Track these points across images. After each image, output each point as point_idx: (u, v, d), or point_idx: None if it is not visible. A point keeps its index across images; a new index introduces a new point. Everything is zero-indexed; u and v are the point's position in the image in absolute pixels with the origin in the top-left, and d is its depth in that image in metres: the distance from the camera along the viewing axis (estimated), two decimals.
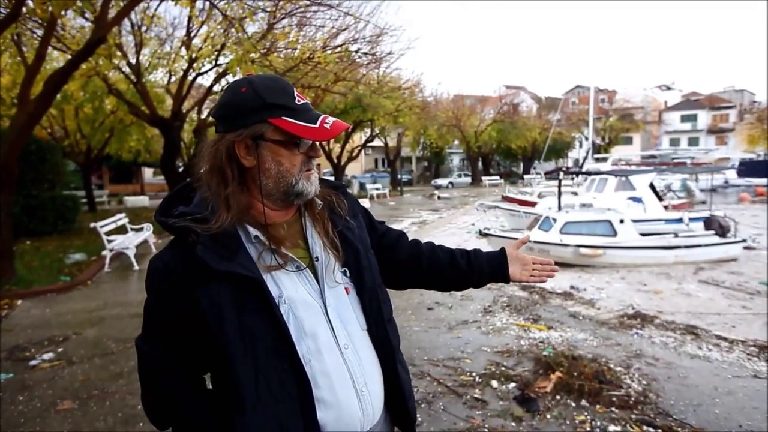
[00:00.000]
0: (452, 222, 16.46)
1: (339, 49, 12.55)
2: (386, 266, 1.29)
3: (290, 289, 1.03)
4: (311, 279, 1.07)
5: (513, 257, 1.38)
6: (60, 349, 4.69)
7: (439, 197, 25.80)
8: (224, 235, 0.99)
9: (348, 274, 1.12)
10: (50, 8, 5.91)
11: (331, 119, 1.05)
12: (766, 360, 4.42)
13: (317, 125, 1.02)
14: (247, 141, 1.02)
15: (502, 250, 1.40)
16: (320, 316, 1.05)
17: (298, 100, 1.04)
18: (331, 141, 25.86)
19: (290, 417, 0.98)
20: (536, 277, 1.38)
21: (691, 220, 10.54)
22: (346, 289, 1.11)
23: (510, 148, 41.40)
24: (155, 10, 11.87)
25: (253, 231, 1.03)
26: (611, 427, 3.10)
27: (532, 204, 15.60)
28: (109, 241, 8.78)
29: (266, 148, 1.02)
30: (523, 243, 1.44)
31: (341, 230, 1.14)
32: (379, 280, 1.20)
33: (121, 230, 10.06)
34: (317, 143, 1.08)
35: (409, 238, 1.44)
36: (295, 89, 1.07)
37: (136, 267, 8.58)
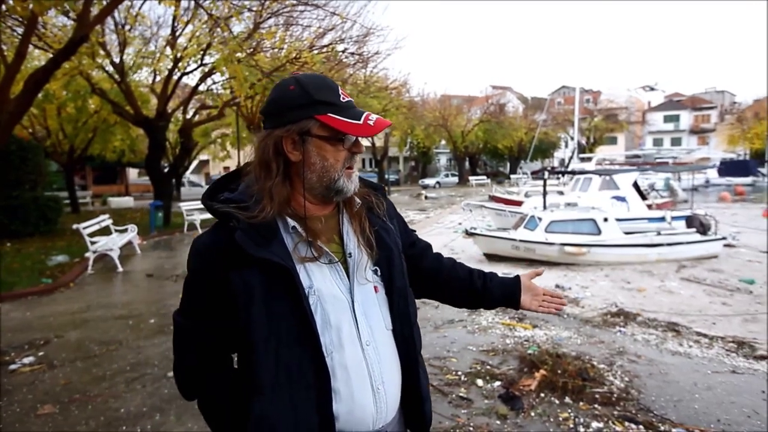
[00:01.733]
0: (439, 221, 16.52)
1: (326, 48, 12.54)
2: (413, 274, 1.33)
3: (320, 281, 1.07)
4: (342, 274, 1.10)
5: (526, 286, 1.41)
6: (41, 353, 4.62)
7: (426, 197, 25.87)
8: (263, 223, 1.04)
9: (379, 273, 1.15)
10: (31, 6, 5.82)
11: (374, 116, 1.09)
12: (747, 356, 4.52)
13: (361, 122, 1.06)
14: (294, 136, 1.06)
15: (517, 278, 1.43)
16: (346, 310, 1.08)
17: (343, 98, 1.08)
18: None
19: (306, 404, 1.02)
20: (545, 308, 1.42)
21: (674, 218, 10.72)
22: (375, 287, 1.14)
23: (496, 148, 41.67)
24: (139, 8, 11.73)
25: (291, 222, 1.07)
26: (594, 424, 3.15)
27: (519, 203, 15.73)
28: (93, 243, 8.66)
29: (312, 143, 1.06)
30: (537, 275, 1.48)
31: (377, 230, 1.16)
32: (408, 282, 1.23)
33: (105, 231, 9.92)
34: (360, 139, 1.11)
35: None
36: (340, 87, 1.10)
37: (120, 269, 8.48)
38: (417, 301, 1.33)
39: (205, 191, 1.15)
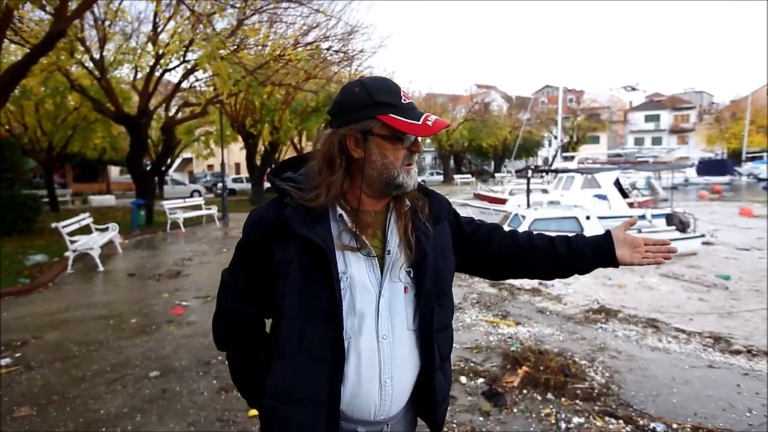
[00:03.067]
0: None
1: (310, 46, 12.48)
2: (482, 260, 1.38)
3: (355, 270, 1.14)
4: (376, 268, 1.16)
5: (620, 240, 1.31)
6: (18, 354, 4.52)
7: None
8: (315, 206, 1.12)
9: (411, 275, 1.19)
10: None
11: (432, 117, 1.14)
12: (723, 351, 4.62)
13: (420, 122, 1.12)
14: (357, 135, 1.13)
15: (608, 233, 1.33)
16: (372, 302, 1.14)
17: (404, 100, 1.15)
18: (304, 140, 25.66)
19: (320, 377, 1.12)
20: (650, 259, 1.31)
21: (654, 216, 10.91)
22: (405, 287, 1.18)
23: (481, 147, 41.94)
24: (119, 3, 11.53)
25: (339, 210, 1.15)
26: (575, 419, 3.19)
27: (503, 201, 15.86)
28: (72, 242, 8.49)
29: (373, 141, 1.13)
30: (631, 224, 1.36)
31: (418, 234, 1.20)
32: (446, 288, 1.27)
33: (86, 230, 9.74)
34: (419, 139, 1.18)
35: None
36: (401, 90, 1.17)
37: (101, 268, 8.34)
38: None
39: (274, 168, 1.28)
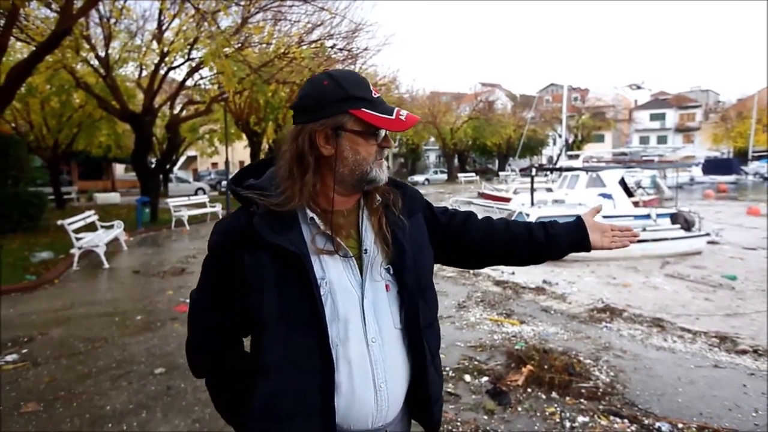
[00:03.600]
0: None
1: (314, 44, 12.47)
2: (459, 250, 1.34)
3: (333, 274, 1.08)
4: (355, 269, 1.11)
5: (591, 225, 1.35)
6: (24, 350, 4.55)
7: None
8: (283, 211, 1.06)
9: (391, 272, 1.14)
10: None
11: (404, 111, 1.10)
12: (729, 351, 4.60)
13: (393, 117, 1.08)
14: (328, 131, 1.07)
15: (579, 219, 1.37)
16: (356, 305, 1.09)
17: (375, 93, 1.09)
18: None
19: (311, 389, 1.05)
20: (617, 243, 1.35)
21: (659, 215, 10.85)
22: (387, 285, 1.14)
23: (485, 145, 41.82)
24: (124, 1, 11.57)
25: (310, 213, 1.09)
26: (580, 418, 3.19)
27: (507, 200, 15.82)
28: (78, 239, 8.53)
29: (345, 137, 1.07)
30: (597, 211, 1.41)
31: (393, 229, 1.16)
32: (427, 281, 1.22)
33: (91, 228, 9.79)
34: (389, 135, 1.13)
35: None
36: (370, 83, 1.12)
37: (106, 265, 8.38)
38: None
39: (233, 176, 1.19)
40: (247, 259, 1.05)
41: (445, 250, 1.31)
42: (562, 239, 1.34)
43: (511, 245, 1.35)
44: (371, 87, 1.10)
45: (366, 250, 1.12)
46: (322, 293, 1.05)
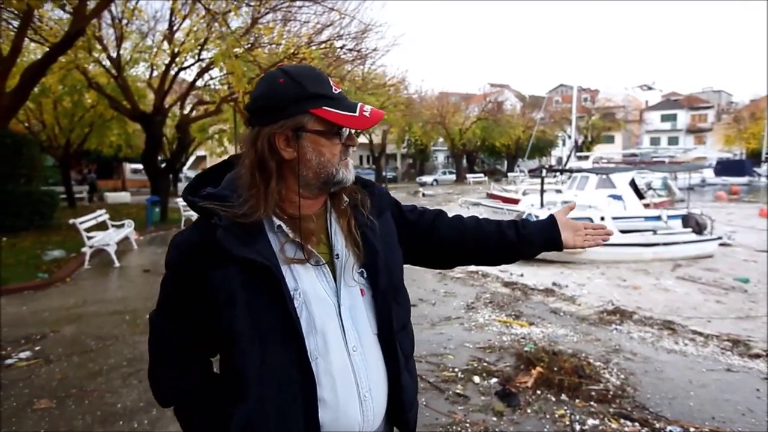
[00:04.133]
0: None
1: (324, 45, 12.50)
2: (428, 249, 1.30)
3: (306, 283, 1.02)
4: (329, 276, 1.05)
5: (564, 224, 1.33)
6: (37, 348, 4.60)
7: (423, 194, 25.88)
8: (248, 221, 0.99)
9: (365, 276, 1.09)
10: None
11: (368, 107, 1.04)
12: (742, 354, 4.54)
13: (357, 114, 1.01)
14: (288, 132, 1.00)
15: (552, 218, 1.35)
16: (333, 314, 1.03)
17: (335, 89, 1.03)
18: None
19: (292, 411, 0.98)
20: (590, 242, 1.34)
21: (669, 217, 10.75)
22: (361, 290, 1.09)
23: (494, 146, 41.68)
24: (136, 2, 11.66)
25: (277, 221, 1.02)
26: (590, 421, 3.16)
27: (516, 201, 15.75)
28: (89, 238, 8.63)
29: (307, 138, 1.00)
30: (570, 209, 1.39)
31: (363, 229, 1.11)
32: (399, 282, 1.18)
33: (102, 227, 9.88)
34: (353, 132, 1.06)
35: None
36: (329, 79, 1.05)
37: (117, 264, 8.46)
38: (444, 270, 1.27)
39: (187, 186, 1.10)
40: (213, 276, 0.98)
41: (414, 249, 1.27)
42: (534, 238, 1.32)
43: (482, 243, 1.32)
44: (331, 82, 1.03)
45: (338, 255, 1.07)
46: (296, 305, 0.99)
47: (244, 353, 0.98)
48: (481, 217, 1.41)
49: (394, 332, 1.12)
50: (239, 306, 0.97)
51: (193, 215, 1.10)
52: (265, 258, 0.97)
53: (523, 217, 10.13)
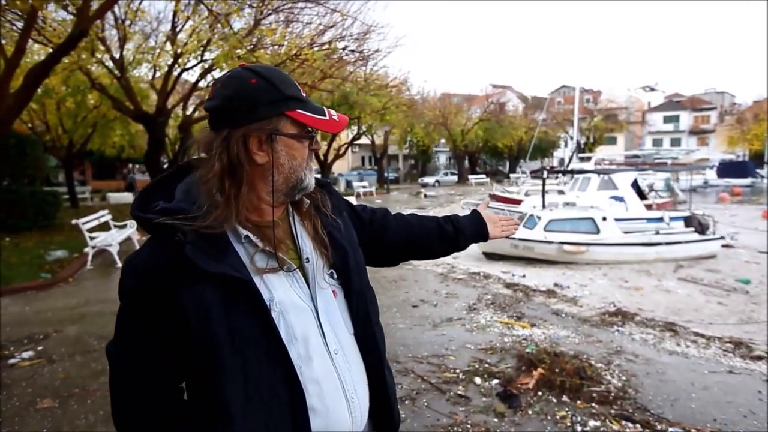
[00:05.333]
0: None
1: (326, 46, 12.51)
2: (382, 247, 1.33)
3: (281, 292, 0.98)
4: (301, 281, 1.03)
5: (487, 217, 1.50)
6: (40, 347, 4.62)
7: (425, 195, 25.88)
8: (211, 234, 0.93)
9: (335, 276, 1.08)
10: (30, 0, 5.80)
11: (333, 111, 1.04)
12: (744, 357, 4.54)
13: (327, 117, 1.00)
14: (262, 136, 0.96)
15: (477, 213, 1.51)
16: (311, 320, 1.01)
17: (303, 92, 1.02)
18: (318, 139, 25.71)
19: (282, 425, 0.95)
20: (507, 231, 1.53)
21: (672, 218, 10.74)
22: (333, 291, 1.07)
23: (496, 147, 41.67)
24: (139, 3, 11.70)
25: (243, 231, 0.97)
26: (591, 422, 3.16)
27: (518, 202, 15.75)
28: (92, 238, 8.66)
29: (281, 142, 0.97)
30: (486, 205, 1.59)
31: (329, 230, 1.09)
32: (366, 281, 1.17)
33: (104, 227, 9.92)
34: (318, 137, 1.05)
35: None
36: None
37: (119, 264, 8.47)
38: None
39: (135, 200, 1.02)
40: (183, 296, 0.91)
41: (369, 249, 1.27)
42: (467, 231, 1.45)
43: (427, 238, 1.41)
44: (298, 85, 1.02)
45: (307, 258, 1.05)
46: (273, 316, 0.95)
47: (226, 372, 0.92)
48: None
49: (373, 329, 1.13)
50: (216, 324, 0.91)
51: None
52: (238, 271, 0.93)
53: (525, 218, 10.13)
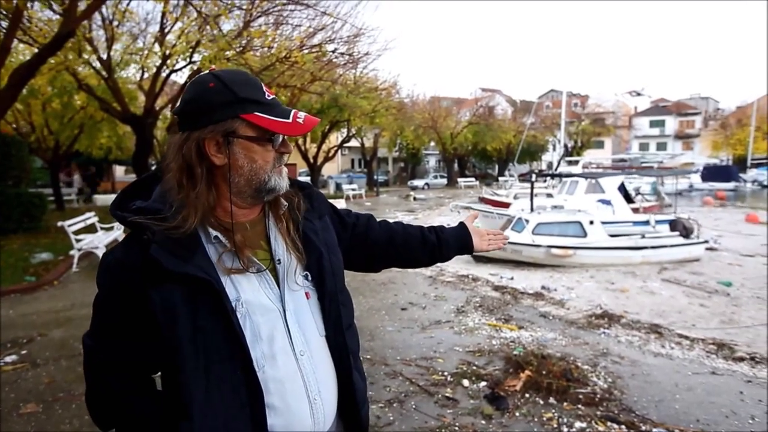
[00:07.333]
0: (427, 223, 16.47)
1: (316, 48, 12.51)
2: (364, 253, 1.35)
3: (248, 293, 1.01)
4: (271, 282, 1.04)
5: (473, 230, 1.50)
6: (24, 351, 4.56)
7: (414, 198, 25.91)
8: (181, 234, 0.96)
9: (309, 278, 1.09)
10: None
11: (302, 114, 1.03)
12: (727, 358, 4.62)
13: (290, 120, 1.00)
14: (218, 138, 0.97)
15: (463, 225, 1.51)
16: (278, 320, 1.03)
17: (268, 95, 1.01)
18: (308, 141, 25.70)
19: (240, 424, 0.97)
20: (494, 245, 1.52)
21: (657, 222, 10.89)
22: (306, 293, 1.08)
23: (485, 150, 41.88)
24: (127, 4, 11.60)
25: (213, 232, 1.00)
26: (577, 424, 3.20)
27: (507, 205, 15.86)
28: (78, 240, 8.55)
29: (238, 144, 0.98)
30: (474, 218, 1.57)
31: (305, 232, 1.11)
32: (342, 284, 1.18)
33: (91, 229, 9.81)
34: (287, 139, 1.05)
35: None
36: (263, 84, 1.04)
37: None
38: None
39: (114, 199, 1.05)
40: (151, 294, 0.95)
41: (351, 252, 1.30)
42: (451, 242, 1.46)
43: (409, 245, 1.42)
44: (264, 88, 1.02)
45: (279, 260, 1.06)
46: (239, 315, 0.97)
47: (188, 370, 0.95)
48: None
49: (344, 333, 1.13)
50: (180, 323, 0.95)
51: None
52: (204, 272, 0.95)
53: (514, 221, 10.21)
